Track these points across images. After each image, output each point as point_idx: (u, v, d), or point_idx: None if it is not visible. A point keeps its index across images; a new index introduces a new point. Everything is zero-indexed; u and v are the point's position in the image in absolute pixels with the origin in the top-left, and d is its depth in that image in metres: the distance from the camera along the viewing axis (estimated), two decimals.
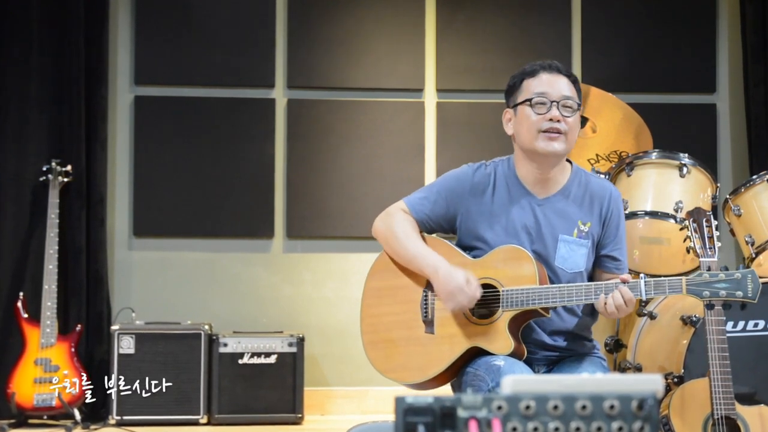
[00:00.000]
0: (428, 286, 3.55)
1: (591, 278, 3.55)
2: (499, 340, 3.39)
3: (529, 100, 3.44)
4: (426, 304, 3.55)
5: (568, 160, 3.58)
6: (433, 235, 3.66)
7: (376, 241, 3.70)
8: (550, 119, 3.41)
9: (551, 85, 3.45)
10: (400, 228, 3.59)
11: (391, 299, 3.62)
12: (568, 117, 3.43)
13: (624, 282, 3.32)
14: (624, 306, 3.31)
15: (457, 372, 3.52)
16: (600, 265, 3.57)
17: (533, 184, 3.52)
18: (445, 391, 3.69)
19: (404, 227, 3.59)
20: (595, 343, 3.68)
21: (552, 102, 3.42)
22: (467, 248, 3.56)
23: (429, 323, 3.54)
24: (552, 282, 3.44)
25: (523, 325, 3.45)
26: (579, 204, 3.53)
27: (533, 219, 3.50)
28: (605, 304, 3.31)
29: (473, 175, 3.57)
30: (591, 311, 3.56)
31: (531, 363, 3.47)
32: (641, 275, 3.34)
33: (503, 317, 3.40)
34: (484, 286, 3.44)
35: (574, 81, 3.51)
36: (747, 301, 3.26)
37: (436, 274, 3.46)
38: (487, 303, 3.44)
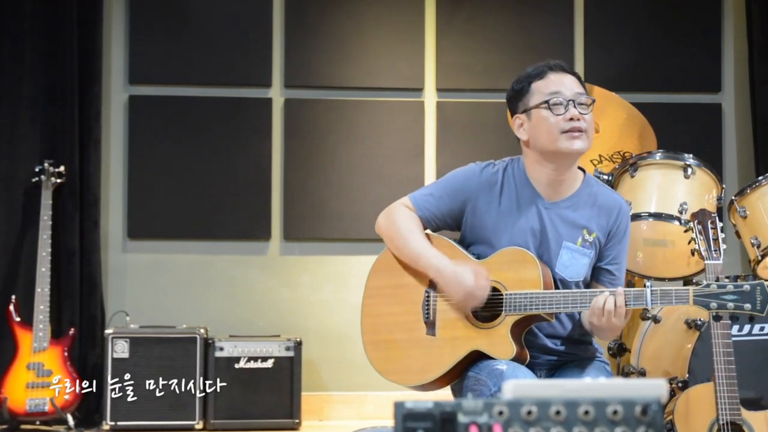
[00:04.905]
0: (430, 285, 3.51)
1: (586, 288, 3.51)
2: (501, 344, 3.36)
3: (546, 102, 3.39)
4: (428, 305, 3.51)
5: (581, 169, 3.55)
6: (437, 233, 3.62)
7: (376, 243, 3.68)
8: (570, 119, 3.37)
9: (562, 83, 3.41)
10: (403, 225, 3.54)
11: (393, 299, 3.58)
12: (585, 114, 3.40)
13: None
14: (612, 312, 3.23)
15: (458, 375, 3.48)
16: (596, 277, 3.52)
17: (545, 186, 3.47)
18: (446, 395, 3.64)
19: (408, 224, 3.54)
20: (598, 347, 3.64)
21: (568, 101, 3.38)
22: (470, 246, 3.52)
23: (430, 325, 3.50)
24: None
25: (526, 329, 3.41)
26: (587, 213, 3.48)
27: (539, 222, 3.45)
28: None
29: (481, 173, 3.52)
30: None
31: (533, 367, 3.43)
32: (647, 284, 3.28)
33: (506, 321, 3.36)
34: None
35: (579, 78, 3.49)
36: (755, 314, 3.21)
37: (441, 276, 3.43)
38: (490, 306, 3.40)
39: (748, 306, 3.18)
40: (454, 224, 3.57)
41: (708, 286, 3.22)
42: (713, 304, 3.21)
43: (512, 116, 3.52)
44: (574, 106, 3.37)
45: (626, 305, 3.25)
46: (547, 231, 3.44)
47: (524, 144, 3.49)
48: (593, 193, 3.51)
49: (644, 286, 3.28)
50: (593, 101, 3.43)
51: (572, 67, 6.28)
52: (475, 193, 3.49)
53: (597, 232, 3.46)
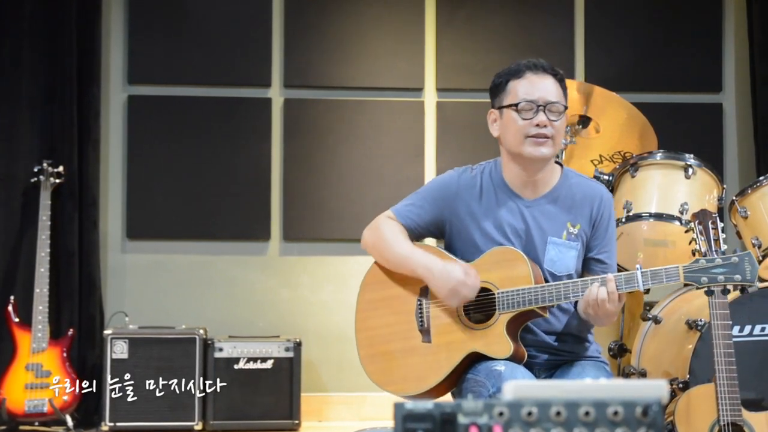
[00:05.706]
0: (422, 293, 3.52)
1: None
2: (498, 343, 3.36)
3: (515, 105, 3.41)
4: (421, 312, 3.52)
5: (558, 163, 3.56)
6: (422, 242, 3.64)
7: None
8: (537, 125, 3.39)
9: (537, 88, 3.42)
10: (388, 233, 3.57)
11: (386, 310, 3.59)
12: (555, 121, 3.41)
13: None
14: (606, 299, 3.24)
15: (457, 380, 3.48)
16: (587, 268, 3.54)
17: (521, 186, 3.50)
18: (445, 396, 3.64)
19: (393, 232, 3.58)
20: (597, 346, 3.64)
21: (538, 107, 3.39)
22: (456, 251, 3.53)
23: (425, 332, 3.51)
24: None
25: (521, 326, 3.41)
26: (568, 206, 3.50)
27: (522, 221, 3.47)
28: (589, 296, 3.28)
29: (459, 178, 3.56)
30: None
31: (532, 368, 3.44)
32: (637, 266, 3.28)
33: (500, 320, 3.37)
34: (479, 289, 3.41)
35: (560, 79, 3.49)
36: (746, 284, 3.25)
37: (430, 272, 3.44)
38: (483, 307, 3.41)
39: (738, 277, 3.22)
40: (437, 232, 3.60)
41: (697, 261, 3.26)
42: (704, 279, 3.24)
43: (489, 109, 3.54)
44: (544, 112, 3.38)
45: (618, 289, 3.26)
46: (531, 229, 3.46)
47: (497, 141, 3.52)
48: (573, 186, 3.52)
49: (635, 269, 3.29)
50: (566, 108, 3.44)
51: (572, 68, 6.38)
52: (455, 198, 3.52)
53: (581, 224, 3.48)
